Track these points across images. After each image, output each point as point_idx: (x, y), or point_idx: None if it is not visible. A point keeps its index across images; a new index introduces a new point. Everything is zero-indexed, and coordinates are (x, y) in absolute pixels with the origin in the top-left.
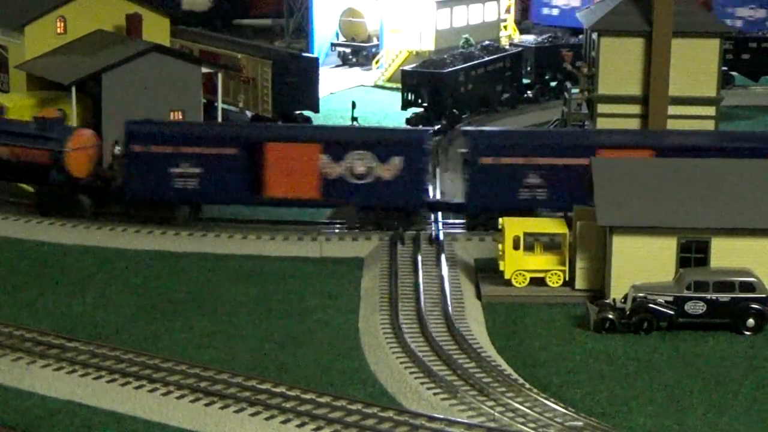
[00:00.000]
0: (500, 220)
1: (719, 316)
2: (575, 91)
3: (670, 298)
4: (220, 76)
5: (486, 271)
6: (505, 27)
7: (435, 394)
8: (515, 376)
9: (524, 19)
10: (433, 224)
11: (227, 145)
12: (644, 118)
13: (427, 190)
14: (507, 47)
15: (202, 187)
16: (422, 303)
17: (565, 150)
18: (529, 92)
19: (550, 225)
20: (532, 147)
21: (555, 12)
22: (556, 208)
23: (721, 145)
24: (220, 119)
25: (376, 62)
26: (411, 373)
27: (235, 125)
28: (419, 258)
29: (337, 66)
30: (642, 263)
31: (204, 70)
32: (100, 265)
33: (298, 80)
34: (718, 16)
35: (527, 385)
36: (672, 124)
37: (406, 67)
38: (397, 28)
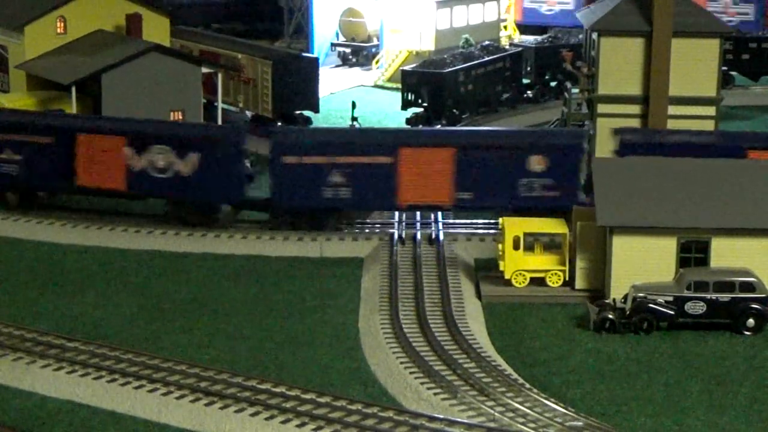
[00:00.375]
0: (500, 220)
1: (719, 316)
2: (575, 91)
3: (670, 298)
4: (220, 76)
5: (486, 271)
6: (505, 27)
7: (435, 394)
8: (515, 376)
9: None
10: (433, 224)
11: (43, 134)
12: (644, 118)
13: (232, 187)
14: (507, 47)
15: (23, 173)
16: (422, 303)
17: (367, 149)
18: (529, 92)
19: (550, 225)
20: (333, 146)
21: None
22: (360, 207)
23: (522, 142)
24: (220, 119)
25: (376, 62)
26: (411, 373)
27: (51, 114)
28: (419, 258)
29: (337, 66)
30: (642, 263)
31: (204, 70)
32: (100, 265)
33: (298, 80)
34: None
35: (527, 385)
36: (672, 124)
37: (406, 67)
38: (397, 28)
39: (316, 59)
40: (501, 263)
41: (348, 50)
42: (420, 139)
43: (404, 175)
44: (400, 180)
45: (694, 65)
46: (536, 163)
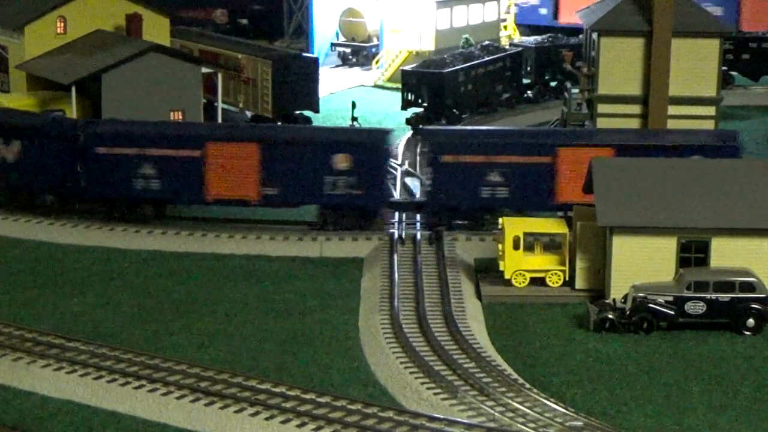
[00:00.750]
0: (500, 220)
1: (719, 316)
2: (575, 91)
3: (670, 298)
4: (220, 76)
5: (486, 271)
6: (505, 27)
7: (435, 394)
8: (515, 376)
9: None
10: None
11: None
12: (644, 118)
13: (55, 177)
14: (507, 47)
15: None
16: (422, 303)
17: (176, 142)
18: (529, 92)
19: (550, 225)
20: (144, 138)
21: None
22: (170, 200)
23: (327, 140)
24: (219, 119)
25: (376, 62)
26: (411, 373)
27: None
28: (419, 258)
29: (337, 66)
30: (642, 263)
31: (204, 70)
32: (100, 265)
33: (298, 80)
34: None
35: (527, 385)
36: (672, 124)
37: (406, 67)
38: (397, 28)
39: (316, 59)
40: (501, 263)
41: (348, 50)
42: (226, 133)
43: (211, 170)
44: (208, 174)
45: (694, 65)
46: (341, 161)
